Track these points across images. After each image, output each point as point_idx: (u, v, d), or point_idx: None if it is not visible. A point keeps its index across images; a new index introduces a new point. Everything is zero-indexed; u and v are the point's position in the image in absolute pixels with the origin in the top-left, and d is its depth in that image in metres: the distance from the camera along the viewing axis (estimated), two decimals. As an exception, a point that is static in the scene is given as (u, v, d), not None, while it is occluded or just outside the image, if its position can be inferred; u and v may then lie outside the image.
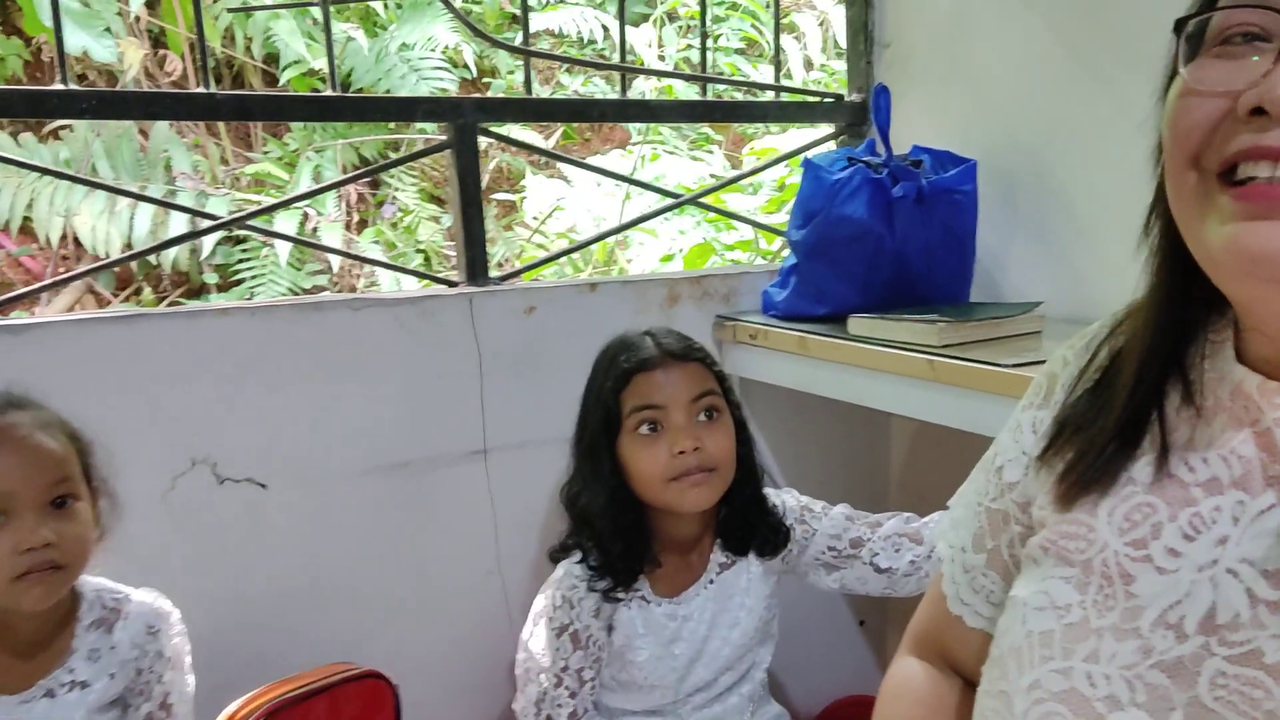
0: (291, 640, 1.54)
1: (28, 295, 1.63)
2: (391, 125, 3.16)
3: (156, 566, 1.37)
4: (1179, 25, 0.67)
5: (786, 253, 1.82)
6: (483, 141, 1.68)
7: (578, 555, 1.47)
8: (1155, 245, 0.73)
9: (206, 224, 1.73)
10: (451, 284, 1.70)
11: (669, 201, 2.04)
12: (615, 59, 2.19)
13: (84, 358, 1.40)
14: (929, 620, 0.95)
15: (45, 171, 2.30)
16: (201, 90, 1.50)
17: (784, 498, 1.58)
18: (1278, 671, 0.61)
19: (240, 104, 1.54)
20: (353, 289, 3.09)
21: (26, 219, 2.74)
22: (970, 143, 1.78)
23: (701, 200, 2.05)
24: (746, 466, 1.51)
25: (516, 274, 1.78)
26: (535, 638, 1.49)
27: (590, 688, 1.46)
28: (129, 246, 2.68)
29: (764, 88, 2.32)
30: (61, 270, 2.94)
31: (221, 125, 3.01)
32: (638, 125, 3.35)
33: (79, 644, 1.20)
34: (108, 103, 1.48)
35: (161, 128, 2.80)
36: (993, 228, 1.78)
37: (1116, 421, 0.74)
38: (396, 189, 3.15)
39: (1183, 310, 0.73)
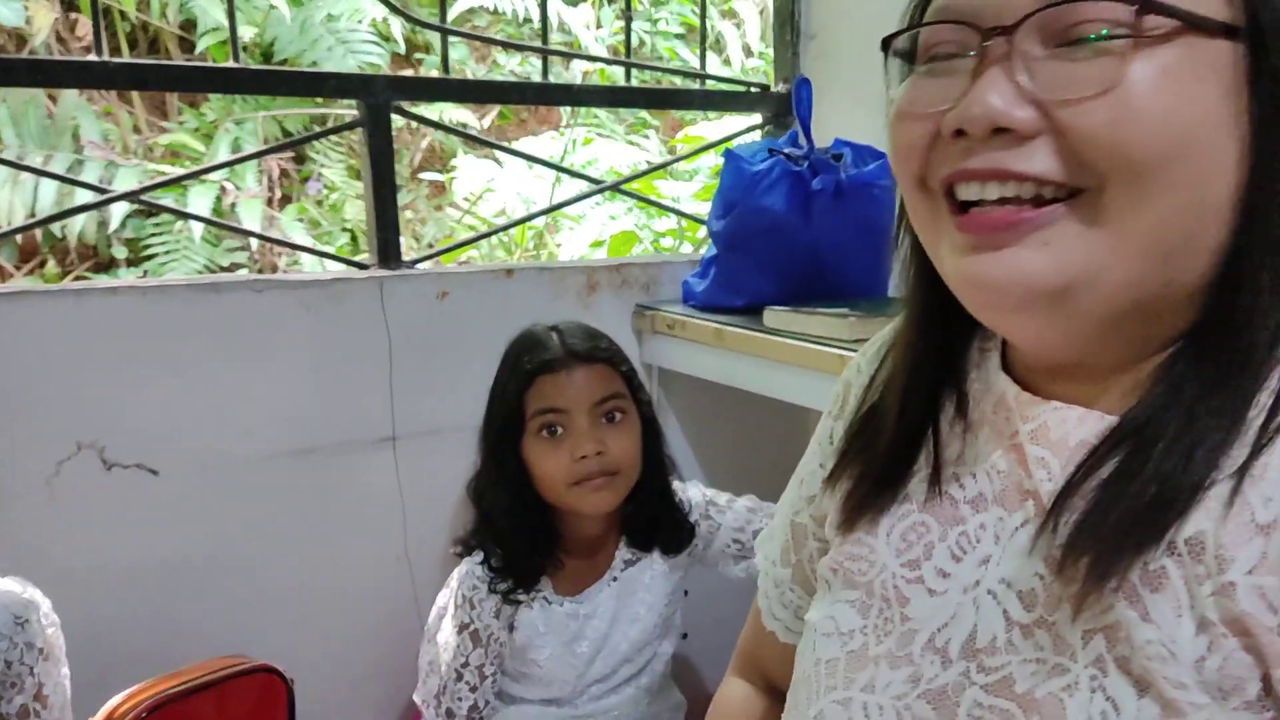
0: (182, 633, 1.49)
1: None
2: (319, 100, 3.08)
3: (37, 554, 1.32)
4: (885, 43, 0.64)
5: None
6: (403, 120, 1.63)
7: (480, 555, 1.46)
8: (907, 258, 0.71)
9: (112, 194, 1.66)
10: (363, 266, 1.65)
11: (596, 187, 2.00)
12: (554, 41, 2.14)
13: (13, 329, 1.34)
14: (748, 637, 0.93)
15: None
16: (96, 58, 1.43)
17: (689, 492, 1.57)
18: (1027, 702, 0.58)
19: (137, 73, 1.47)
20: (274, 267, 3.00)
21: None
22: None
23: (627, 188, 2.02)
24: (653, 463, 1.50)
25: (431, 256, 1.74)
26: (439, 631, 1.48)
27: (491, 683, 1.46)
28: (32, 217, 2.57)
29: (690, 75, 2.29)
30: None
31: (135, 93, 2.90)
32: (574, 107, 3.30)
33: None
34: (8, 70, 1.40)
35: (70, 94, 2.69)
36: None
37: (890, 441, 0.72)
38: (322, 165, 3.07)
39: (946, 322, 0.69)
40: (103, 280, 2.07)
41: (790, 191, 1.63)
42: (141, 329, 1.45)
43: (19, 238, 2.73)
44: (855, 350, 1.38)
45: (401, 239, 1.65)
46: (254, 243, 2.88)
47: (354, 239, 3.14)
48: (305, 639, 1.58)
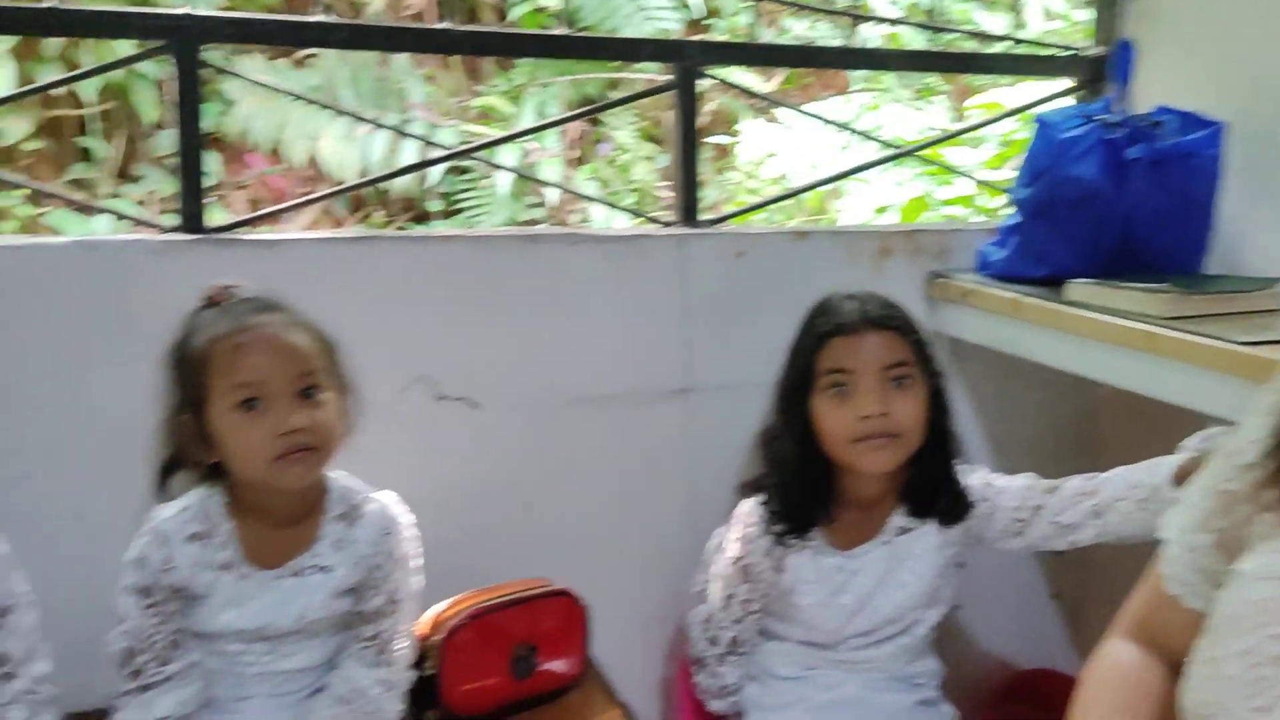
0: (492, 552, 1.63)
1: (279, 213, 1.77)
2: (616, 65, 3.22)
3: (381, 473, 1.48)
4: None
5: (1008, 212, 1.75)
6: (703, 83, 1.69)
7: (763, 496, 1.52)
8: None
9: (437, 153, 1.83)
10: (664, 224, 1.73)
11: (888, 152, 1.99)
12: (842, 4, 2.14)
13: (324, 273, 1.53)
14: (1143, 603, 0.97)
15: (300, 98, 2.48)
16: (440, 26, 1.58)
17: (969, 478, 1.56)
18: None
19: (477, 40, 1.62)
20: (565, 224, 3.18)
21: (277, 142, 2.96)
22: (1221, 104, 1.65)
23: (925, 154, 1.99)
24: (938, 435, 1.51)
25: (727, 218, 1.79)
26: (714, 563, 1.58)
27: (755, 618, 1.54)
28: (364, 171, 2.86)
29: (997, 39, 2.21)
30: (302, 190, 3.16)
31: (452, 58, 3.14)
32: (860, 72, 3.26)
33: (324, 533, 1.33)
34: (359, 35, 1.58)
35: (400, 60, 2.95)
36: (1238, 196, 1.65)
37: None
38: (614, 128, 3.21)
39: None
40: (441, 229, 2.27)
41: (1103, 160, 1.56)
42: (470, 274, 1.60)
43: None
44: (1168, 327, 1.33)
45: (698, 199, 1.71)
46: (550, 200, 3.07)
47: (640, 199, 3.27)
48: (596, 567, 1.69)
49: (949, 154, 2.78)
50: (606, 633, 1.61)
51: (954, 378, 1.76)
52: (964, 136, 2.68)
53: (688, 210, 1.69)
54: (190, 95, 1.47)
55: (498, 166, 2.53)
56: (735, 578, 1.53)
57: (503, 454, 1.65)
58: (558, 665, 1.50)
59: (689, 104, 1.64)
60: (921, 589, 1.53)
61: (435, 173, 2.94)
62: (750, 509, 1.54)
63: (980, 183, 2.17)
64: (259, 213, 1.61)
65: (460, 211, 3.03)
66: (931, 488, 1.52)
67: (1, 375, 1.41)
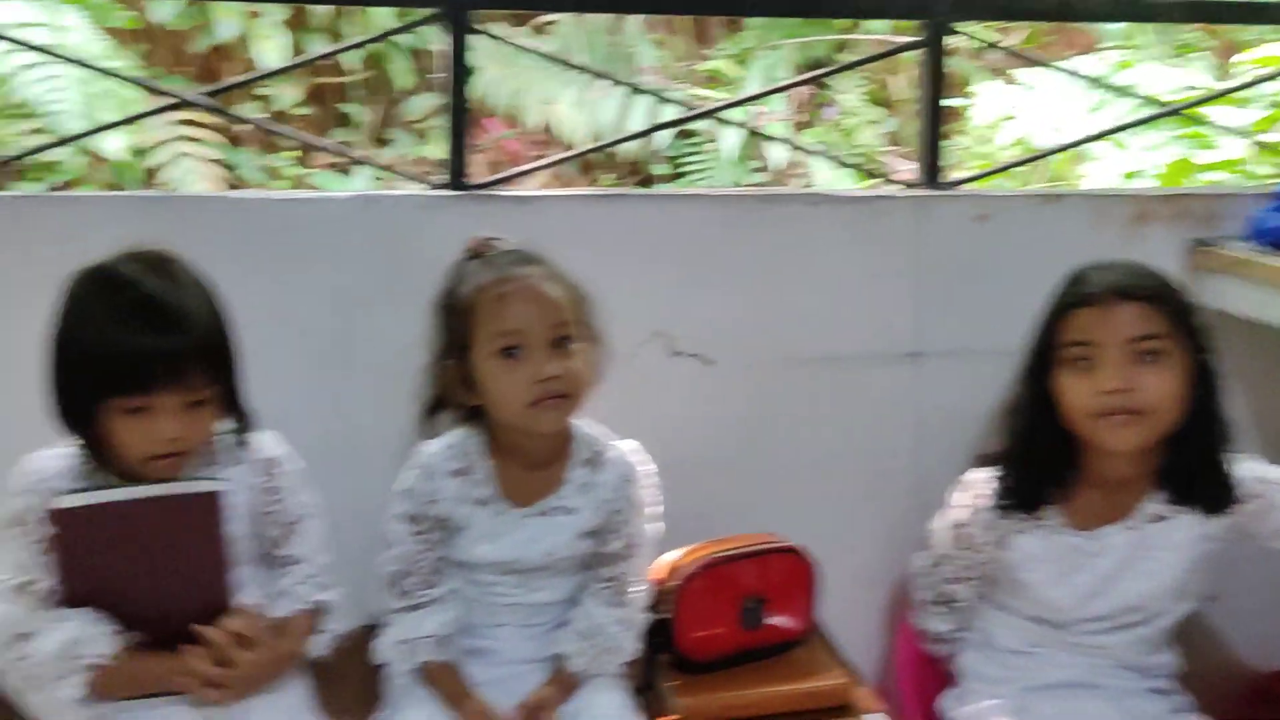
0: (721, 505, 1.66)
1: (528, 173, 1.85)
2: (843, 26, 3.16)
3: (618, 423, 1.52)
4: None
5: (1287, 175, 1.62)
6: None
7: (995, 469, 1.48)
8: None
9: (666, 117, 1.86)
10: (906, 185, 1.70)
11: (1148, 112, 1.88)
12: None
13: (573, 228, 1.59)
14: None
15: (545, 57, 2.58)
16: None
17: (1241, 468, 1.46)
18: None
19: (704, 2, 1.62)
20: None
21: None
22: None
23: (1188, 113, 1.86)
24: (1201, 415, 1.41)
25: (969, 180, 1.75)
26: (940, 519, 1.57)
27: (971, 584, 1.53)
28: (596, 135, 2.95)
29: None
30: (534, 154, 3.29)
31: (682, 22, 3.18)
32: (1109, 27, 3.07)
33: (571, 476, 1.40)
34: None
35: (632, 25, 3.02)
36: None
37: None
38: (840, 91, 3.17)
39: None
40: (683, 188, 2.32)
41: None
42: (709, 233, 1.63)
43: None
44: None
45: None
46: (774, 163, 3.07)
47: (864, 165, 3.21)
48: (820, 526, 1.68)
49: (1215, 114, 2.58)
50: (828, 593, 1.62)
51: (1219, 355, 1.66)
52: (1230, 97, 2.48)
53: (931, 171, 1.66)
54: (460, 60, 1.56)
55: (729, 122, 2.53)
56: (953, 542, 1.52)
57: (733, 410, 1.68)
58: (784, 620, 1.52)
59: (937, 61, 1.60)
60: (1170, 580, 1.45)
61: (662, 136, 2.99)
62: (982, 478, 1.50)
63: (1260, 145, 2.00)
64: (514, 171, 1.70)
65: (684, 175, 3.07)
66: (1192, 473, 1.43)
67: (291, 313, 1.55)
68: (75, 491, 1.22)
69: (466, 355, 1.34)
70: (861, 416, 1.71)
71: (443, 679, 1.35)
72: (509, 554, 1.38)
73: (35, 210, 1.49)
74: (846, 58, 3.15)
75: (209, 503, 1.22)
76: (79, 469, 1.26)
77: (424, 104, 3.11)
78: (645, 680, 1.47)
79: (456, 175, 1.59)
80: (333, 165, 3.03)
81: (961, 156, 3.16)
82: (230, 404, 1.28)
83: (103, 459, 1.25)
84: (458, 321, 1.35)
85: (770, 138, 2.68)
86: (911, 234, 1.66)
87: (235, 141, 2.93)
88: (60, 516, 1.18)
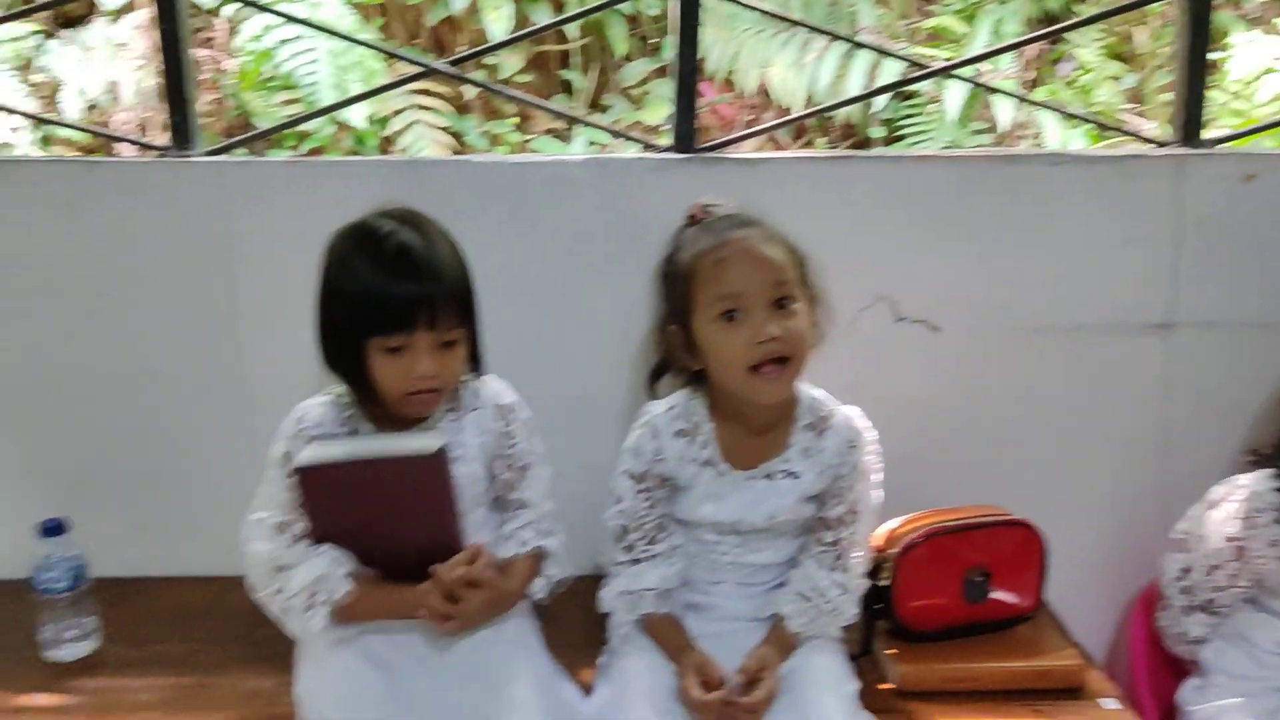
0: (943, 474, 1.62)
1: (744, 138, 1.83)
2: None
3: (839, 388, 1.50)
4: None
5: None
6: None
7: (1273, 476, 1.39)
8: None
9: (887, 77, 1.80)
10: (1160, 144, 1.59)
11: None
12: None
13: (799, 190, 1.58)
14: None
15: (770, 15, 2.54)
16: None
17: None
18: None
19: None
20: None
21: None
22: None
23: None
24: None
25: (1230, 139, 1.61)
26: (1205, 521, 1.48)
27: (1240, 591, 1.46)
28: (809, 98, 2.89)
29: None
30: (748, 117, 3.26)
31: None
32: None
33: (795, 440, 1.40)
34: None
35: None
36: None
37: None
38: (1076, 45, 2.97)
39: None
40: (913, 150, 2.25)
41: None
42: (940, 195, 1.58)
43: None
44: None
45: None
46: (1000, 125, 2.92)
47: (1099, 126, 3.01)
48: (1052, 502, 1.61)
49: None
50: (1057, 569, 1.55)
51: None
52: None
53: (1189, 128, 1.54)
54: (690, 24, 1.57)
55: (962, 78, 2.42)
56: (1227, 554, 1.44)
57: (961, 379, 1.63)
58: (1010, 595, 1.48)
59: (1202, 9, 1.48)
60: None
61: (879, 98, 2.90)
62: (1259, 487, 1.42)
63: None
64: (742, 134, 1.69)
65: (902, 138, 2.97)
66: None
67: (524, 272, 1.61)
68: (321, 444, 1.33)
69: (688, 320, 1.36)
70: (1102, 391, 1.63)
71: (664, 630, 1.38)
72: (731, 515, 1.40)
73: (302, 174, 1.61)
74: (1084, 10, 2.96)
75: (434, 462, 1.28)
76: (339, 415, 1.37)
77: (639, 69, 3.13)
78: (862, 646, 1.46)
79: (683, 138, 1.60)
80: (550, 131, 3.12)
81: (1216, 113, 2.91)
82: (471, 350, 1.36)
83: (363, 399, 1.35)
84: (679, 287, 1.37)
85: (1011, 94, 2.54)
86: (1167, 195, 1.55)
87: (461, 110, 3.06)
88: (302, 473, 1.28)
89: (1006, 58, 2.89)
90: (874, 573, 1.45)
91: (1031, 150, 1.74)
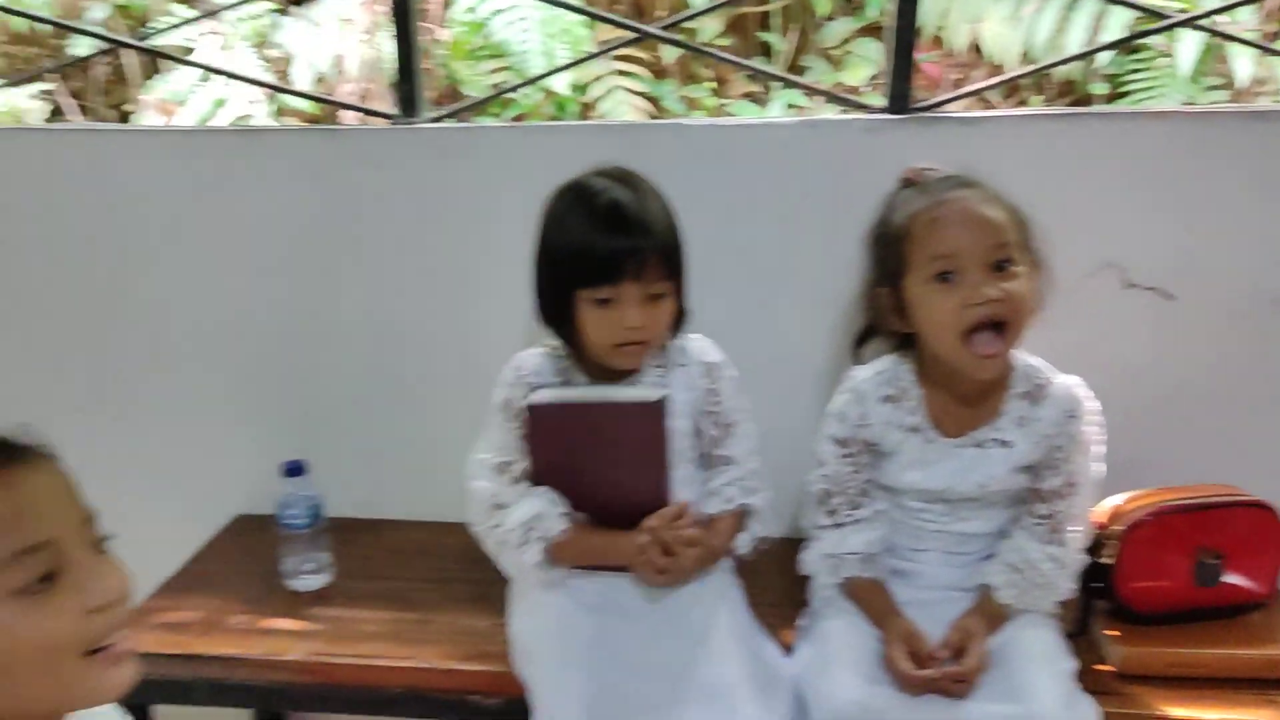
0: (1174, 451, 1.54)
1: (961, 98, 1.77)
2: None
3: (1061, 356, 1.44)
4: None
5: None
6: None
7: None
8: None
9: (1111, 29, 1.69)
10: None
11: None
12: None
13: (1023, 150, 1.52)
14: None
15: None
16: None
17: None
18: None
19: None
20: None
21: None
22: None
23: None
24: None
25: None
26: None
27: None
28: (1024, 54, 2.76)
29: None
30: (956, 75, 3.14)
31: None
32: None
33: (1008, 409, 1.35)
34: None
35: (1074, -69, 2.77)
36: None
37: None
38: (1327, -9, 2.71)
39: None
40: (1146, 106, 2.13)
41: None
42: (1180, 154, 1.48)
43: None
44: None
45: None
46: (1238, 80, 2.70)
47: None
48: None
49: None
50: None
51: None
52: None
53: None
54: (909, -22, 1.52)
55: (1202, 28, 2.24)
56: None
57: (1195, 351, 1.54)
58: (1244, 580, 1.39)
59: None
60: None
61: (1105, 53, 2.74)
62: None
63: None
64: (959, 93, 1.63)
65: (1126, 95, 2.79)
66: None
67: (733, 234, 1.62)
68: (550, 388, 1.39)
69: (900, 282, 1.34)
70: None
71: (868, 595, 1.38)
72: (939, 483, 1.37)
73: (522, 139, 1.68)
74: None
75: (655, 411, 1.32)
76: (554, 366, 1.43)
77: (841, 29, 3.07)
78: (1079, 625, 1.41)
79: (898, 98, 1.56)
80: (747, 95, 3.10)
81: None
82: (677, 306, 1.38)
83: (574, 350, 1.41)
84: (891, 248, 1.35)
85: (1258, 46, 2.34)
86: None
87: (658, 75, 3.08)
88: (534, 410, 1.35)
89: (1245, 10, 2.66)
90: (1094, 550, 1.40)
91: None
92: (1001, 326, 1.28)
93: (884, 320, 1.40)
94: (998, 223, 1.28)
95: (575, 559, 1.38)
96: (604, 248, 1.30)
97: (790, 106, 2.89)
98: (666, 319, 1.38)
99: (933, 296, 1.30)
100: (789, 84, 2.82)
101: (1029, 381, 1.37)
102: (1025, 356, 1.38)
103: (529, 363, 1.44)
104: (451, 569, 1.65)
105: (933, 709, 1.24)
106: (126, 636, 0.82)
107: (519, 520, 1.37)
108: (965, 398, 1.37)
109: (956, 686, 1.24)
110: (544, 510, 1.37)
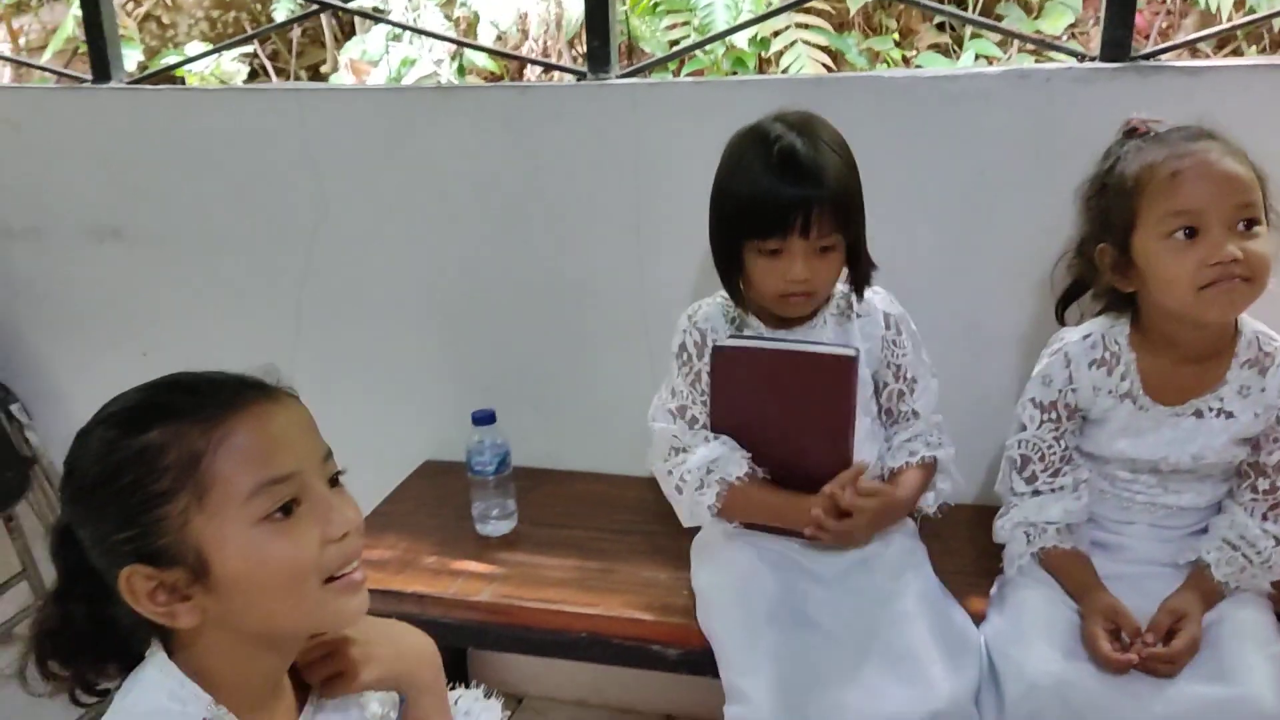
0: None
1: (1173, 49, 1.65)
2: None
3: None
4: None
5: None
6: None
7: None
8: None
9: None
10: None
11: None
12: None
13: (1251, 102, 1.40)
14: None
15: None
16: None
17: None
18: None
19: None
20: None
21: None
22: None
23: None
24: None
25: None
26: None
27: None
28: (1239, 3, 2.56)
29: None
30: (1165, 25, 2.94)
31: None
32: None
33: (1232, 377, 1.27)
34: None
35: None
36: None
37: None
38: None
39: None
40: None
41: None
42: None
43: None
44: None
45: None
46: None
47: None
48: None
49: None
50: None
51: None
52: None
53: None
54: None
55: None
56: None
57: None
58: None
59: None
60: None
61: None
62: None
63: None
64: (1178, 41, 1.53)
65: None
66: None
67: (930, 190, 1.57)
68: (738, 336, 1.40)
69: (1128, 238, 1.26)
70: None
71: (1067, 566, 1.32)
72: (1151, 453, 1.30)
73: (709, 94, 1.67)
74: None
75: (846, 366, 1.30)
76: (728, 313, 1.43)
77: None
78: (1298, 608, 1.32)
79: (1115, 45, 1.46)
80: (934, 47, 2.98)
81: None
82: (855, 258, 1.36)
83: (744, 299, 1.40)
84: (1120, 201, 1.27)
85: None
86: None
87: (839, 28, 3.00)
88: (721, 353, 1.35)
89: None
90: (1317, 532, 1.30)
91: None
92: (1242, 283, 1.19)
93: (1102, 278, 1.32)
94: (1243, 179, 1.20)
95: (749, 512, 1.38)
96: (773, 198, 1.28)
97: (979, 58, 2.77)
98: (836, 270, 1.35)
99: (1169, 254, 1.22)
100: (986, 30, 2.69)
101: (1256, 349, 1.28)
102: (1252, 322, 1.29)
103: (702, 309, 1.45)
104: (632, 521, 1.68)
105: (1134, 688, 1.18)
106: (358, 567, 0.86)
107: (699, 461, 1.38)
108: (1185, 362, 1.29)
109: (1163, 667, 1.18)
110: (725, 455, 1.37)
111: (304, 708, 0.93)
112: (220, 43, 2.81)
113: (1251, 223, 1.19)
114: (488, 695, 1.09)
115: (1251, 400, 1.27)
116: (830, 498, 1.30)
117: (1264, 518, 1.27)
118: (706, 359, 1.39)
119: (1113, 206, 1.28)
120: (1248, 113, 1.38)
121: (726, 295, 1.43)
